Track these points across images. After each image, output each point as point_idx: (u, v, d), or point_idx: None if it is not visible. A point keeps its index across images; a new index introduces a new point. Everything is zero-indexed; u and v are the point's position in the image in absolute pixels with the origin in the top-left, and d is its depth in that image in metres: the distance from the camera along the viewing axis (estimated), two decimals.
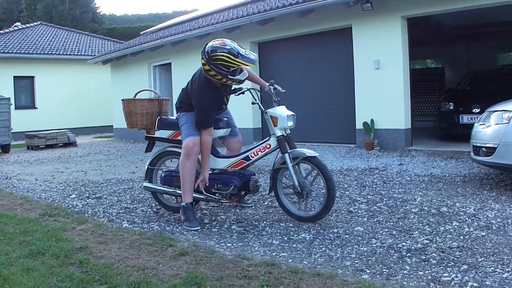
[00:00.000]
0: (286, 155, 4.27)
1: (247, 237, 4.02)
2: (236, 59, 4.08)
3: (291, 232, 4.10)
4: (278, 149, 4.37)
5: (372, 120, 9.36)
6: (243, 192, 4.63)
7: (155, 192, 4.98)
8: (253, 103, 4.44)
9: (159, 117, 4.84)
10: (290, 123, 4.34)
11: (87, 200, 5.78)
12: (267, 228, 4.28)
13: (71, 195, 6.17)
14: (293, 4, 9.77)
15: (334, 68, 10.27)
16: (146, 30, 18.82)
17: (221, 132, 4.62)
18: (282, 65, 10.95)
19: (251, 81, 4.77)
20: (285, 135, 4.34)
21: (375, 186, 5.94)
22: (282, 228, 4.26)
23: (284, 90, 4.70)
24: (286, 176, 4.57)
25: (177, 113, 4.64)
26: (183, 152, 4.36)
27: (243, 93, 4.39)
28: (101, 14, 41.82)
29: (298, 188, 4.28)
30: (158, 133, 4.83)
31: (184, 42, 13.11)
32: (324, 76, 10.41)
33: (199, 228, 4.30)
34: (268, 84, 4.62)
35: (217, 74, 4.18)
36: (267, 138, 4.45)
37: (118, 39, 25.66)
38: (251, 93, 4.42)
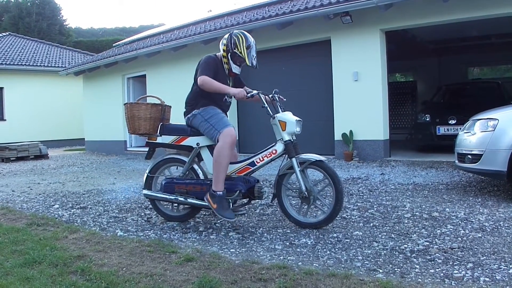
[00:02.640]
0: (294, 159, 4.26)
1: (248, 243, 3.98)
2: (244, 46, 4.43)
3: (291, 238, 4.09)
4: (283, 156, 4.38)
5: (351, 131, 9.49)
6: (248, 198, 4.56)
7: (155, 200, 4.88)
8: (262, 107, 4.42)
9: (161, 123, 4.74)
10: (298, 128, 4.35)
11: (72, 210, 5.64)
12: (266, 234, 4.25)
13: (53, 205, 6.00)
14: (273, 16, 9.87)
15: (313, 80, 10.39)
16: (119, 42, 18.69)
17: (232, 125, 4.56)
18: (261, 77, 10.99)
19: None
20: (292, 140, 4.34)
21: (362, 194, 5.99)
22: (280, 234, 4.25)
23: (285, 99, 4.72)
24: (291, 183, 4.59)
25: (189, 114, 4.60)
26: (227, 141, 4.25)
27: (252, 96, 4.38)
28: (67, 27, 41.30)
29: (305, 193, 4.26)
30: (161, 139, 4.71)
31: (159, 54, 13.07)
32: (303, 88, 10.51)
33: (234, 219, 4.35)
34: (273, 92, 4.62)
35: (226, 46, 4.49)
36: (273, 144, 4.41)
37: (85, 51, 25.34)
38: (260, 97, 4.43)
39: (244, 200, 4.63)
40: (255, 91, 4.41)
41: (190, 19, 16.62)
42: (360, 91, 9.42)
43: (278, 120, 4.34)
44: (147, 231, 4.49)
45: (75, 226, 4.76)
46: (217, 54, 4.61)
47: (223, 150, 4.25)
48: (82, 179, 8.89)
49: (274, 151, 4.37)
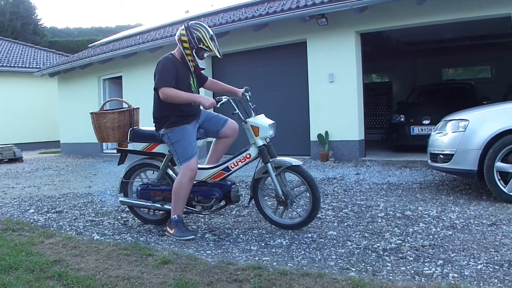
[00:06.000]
0: (269, 165, 4.23)
1: (224, 245, 4.03)
2: (209, 39, 4.24)
3: (266, 238, 4.15)
4: (258, 158, 4.33)
5: (326, 132, 9.61)
6: (224, 202, 4.53)
7: (132, 206, 4.85)
8: (233, 113, 4.36)
9: (131, 129, 4.63)
10: (271, 132, 4.31)
11: (48, 215, 5.61)
12: (241, 235, 4.31)
13: (29, 210, 5.97)
14: (249, 18, 9.93)
15: (289, 82, 10.49)
16: (95, 43, 18.51)
17: (199, 143, 4.49)
18: (237, 78, 11.03)
19: (222, 92, 4.70)
20: (266, 144, 4.30)
21: (337, 195, 6.09)
22: (256, 235, 4.31)
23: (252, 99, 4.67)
24: (267, 185, 4.57)
25: (157, 130, 4.42)
26: (187, 175, 4.18)
27: (223, 103, 4.31)
28: (42, 26, 40.75)
29: (282, 197, 4.26)
30: (131, 146, 4.62)
31: (135, 55, 13.02)
32: (279, 89, 10.59)
33: (194, 236, 4.27)
34: (243, 90, 4.56)
35: (188, 43, 4.22)
36: (247, 147, 4.36)
37: (60, 52, 25.04)
38: (231, 102, 4.38)
39: (220, 203, 4.59)
40: (225, 98, 4.35)
41: (167, 19, 16.57)
42: (336, 92, 9.55)
43: (251, 125, 4.28)
44: (124, 234, 4.51)
45: (51, 230, 4.75)
46: (173, 52, 4.41)
47: (182, 183, 4.21)
48: (58, 183, 8.83)
49: (248, 156, 4.33)
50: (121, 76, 14.23)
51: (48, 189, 7.95)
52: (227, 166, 4.36)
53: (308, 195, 4.28)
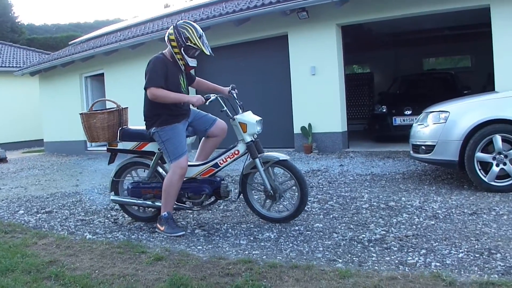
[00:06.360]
0: (257, 160, 4.34)
1: (214, 240, 4.15)
2: (197, 37, 4.30)
3: (255, 232, 4.28)
4: (247, 154, 4.43)
5: (309, 124, 9.74)
6: (214, 198, 4.64)
7: (124, 204, 4.94)
8: (221, 111, 4.45)
9: (121, 128, 4.72)
10: (259, 128, 4.41)
11: (38, 215, 5.66)
12: (230, 230, 4.43)
13: (18, 211, 6.01)
14: (230, 13, 9.99)
15: (272, 75, 10.59)
16: (76, 40, 18.42)
17: (188, 140, 4.59)
18: (219, 73, 11.09)
19: (209, 90, 4.77)
20: (254, 140, 4.40)
21: (322, 187, 6.23)
22: (244, 229, 4.43)
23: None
24: (256, 180, 4.67)
25: (148, 129, 4.50)
26: (177, 172, 4.28)
27: (211, 101, 4.40)
28: (20, 23, 40.26)
29: (271, 191, 4.38)
30: (121, 145, 4.70)
31: (117, 52, 13.01)
32: (262, 82, 10.68)
33: (184, 232, 4.34)
34: (230, 88, 4.66)
35: (175, 41, 4.30)
36: (235, 144, 4.47)
37: (40, 49, 24.81)
38: (219, 100, 4.46)
39: (210, 199, 4.68)
40: (213, 96, 4.43)
41: (147, 15, 16.55)
42: (318, 85, 9.68)
43: (238, 122, 4.38)
44: (115, 233, 4.60)
45: (43, 231, 4.82)
46: (164, 52, 4.47)
47: (172, 181, 4.30)
48: (44, 182, 8.85)
49: (236, 152, 4.43)
50: (103, 73, 14.20)
51: (36, 189, 7.97)
52: (216, 163, 4.47)
53: (296, 188, 4.40)
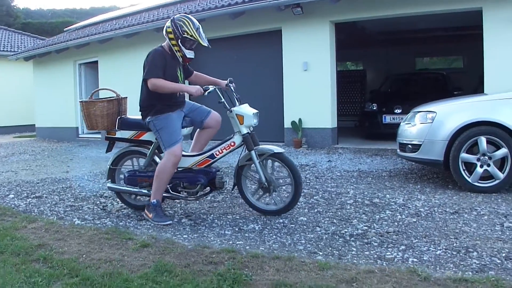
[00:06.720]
0: (253, 152, 4.42)
1: (200, 229, 4.24)
2: (193, 29, 4.38)
3: (240, 224, 4.38)
4: (242, 146, 4.50)
5: (300, 120, 9.84)
6: (209, 189, 4.70)
7: (120, 192, 4.99)
8: (219, 102, 4.51)
9: (119, 117, 4.78)
10: (255, 120, 4.48)
11: (28, 200, 5.74)
12: (216, 220, 4.52)
13: (8, 195, 6.07)
14: (225, 6, 10.04)
15: (264, 69, 10.66)
16: (71, 27, 18.34)
17: (185, 131, 4.66)
18: (212, 65, 11.11)
19: (207, 83, 4.81)
20: (250, 132, 4.49)
21: (309, 181, 6.33)
22: (230, 220, 4.53)
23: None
24: (251, 172, 4.73)
25: (144, 119, 4.59)
26: (171, 160, 4.35)
27: (210, 92, 4.44)
28: (15, 7, 40.05)
29: (265, 183, 4.46)
30: (120, 134, 4.77)
31: (112, 40, 13.03)
32: (254, 76, 10.75)
33: (171, 222, 4.42)
34: (227, 82, 4.73)
35: (172, 33, 4.40)
36: (231, 135, 4.54)
37: (35, 34, 24.70)
38: (217, 92, 4.53)
39: (205, 189, 4.73)
40: (211, 87, 4.48)
41: (143, 4, 16.54)
42: (310, 80, 9.77)
43: (236, 114, 4.45)
44: (104, 219, 4.68)
45: (33, 216, 4.89)
46: (163, 45, 4.56)
47: (165, 167, 4.38)
48: (35, 168, 8.90)
49: (232, 143, 4.51)
50: (97, 61, 14.20)
51: (26, 174, 8.02)
52: (212, 154, 4.54)
53: (290, 181, 4.48)
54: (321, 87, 9.66)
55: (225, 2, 10.35)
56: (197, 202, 5.26)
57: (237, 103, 4.58)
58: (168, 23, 4.47)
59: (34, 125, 17.10)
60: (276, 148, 4.47)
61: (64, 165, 9.09)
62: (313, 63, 9.75)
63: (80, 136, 14.93)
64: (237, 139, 4.51)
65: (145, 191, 4.69)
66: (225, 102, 4.52)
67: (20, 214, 4.96)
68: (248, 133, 4.46)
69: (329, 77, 9.58)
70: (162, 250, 3.58)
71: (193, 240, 3.93)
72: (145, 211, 4.54)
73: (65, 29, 18.48)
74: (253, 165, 4.55)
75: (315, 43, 9.70)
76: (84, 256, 3.51)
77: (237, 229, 4.22)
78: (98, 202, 5.46)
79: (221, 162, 7.60)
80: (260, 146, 4.50)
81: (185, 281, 2.95)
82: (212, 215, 4.71)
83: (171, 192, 4.61)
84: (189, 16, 4.53)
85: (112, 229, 4.21)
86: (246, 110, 4.51)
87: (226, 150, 4.53)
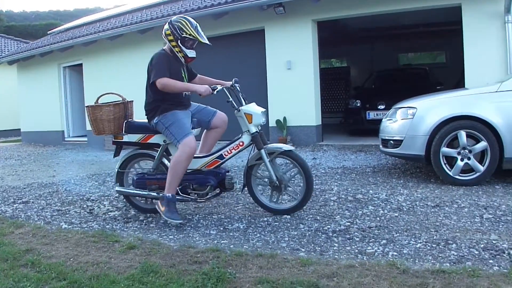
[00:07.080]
0: (262, 151, 4.42)
1: (185, 230, 4.30)
2: (191, 28, 4.42)
3: (225, 223, 4.44)
4: (251, 146, 4.50)
5: (284, 118, 9.93)
6: (219, 190, 4.69)
7: (128, 195, 4.97)
8: (227, 101, 4.51)
9: (126, 121, 4.76)
10: (264, 119, 4.50)
11: (15, 205, 5.75)
12: (201, 220, 4.58)
13: None
14: (208, 7, 10.11)
15: (248, 69, 10.72)
16: (55, 29, 18.28)
17: (193, 132, 4.59)
18: (197, 65, 11.14)
19: (212, 85, 4.70)
20: (258, 131, 4.49)
21: (293, 179, 6.37)
22: (215, 220, 4.59)
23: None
24: (260, 171, 4.72)
25: (150, 121, 4.59)
26: (186, 151, 4.28)
27: (218, 91, 4.45)
28: None
29: (276, 182, 4.46)
30: (127, 138, 4.73)
31: (96, 43, 13.01)
32: (238, 76, 10.61)
33: (182, 221, 4.39)
34: (232, 82, 4.73)
35: (172, 35, 4.43)
36: (239, 135, 4.53)
37: (18, 37, 24.53)
38: (225, 91, 4.54)
39: (215, 191, 4.72)
40: (219, 87, 4.48)
41: (127, 6, 16.53)
42: (293, 79, 9.88)
43: (244, 113, 4.46)
44: (90, 223, 4.72)
45: (20, 221, 4.91)
46: (164, 48, 4.58)
47: (180, 159, 4.31)
48: (21, 173, 8.89)
49: (241, 143, 4.51)
50: (81, 64, 14.18)
51: (12, 180, 8.02)
52: (221, 154, 4.54)
53: (301, 177, 4.51)
54: (305, 85, 9.76)
55: (208, 2, 10.42)
56: (183, 202, 5.28)
57: (244, 103, 4.60)
58: (166, 26, 4.51)
59: (20, 129, 17.00)
60: (285, 146, 4.49)
61: (51, 169, 9.10)
62: (297, 62, 9.85)
63: (66, 139, 14.90)
64: (245, 139, 4.51)
65: (154, 194, 4.62)
66: (233, 101, 4.53)
67: (7, 219, 4.98)
68: (257, 132, 4.46)
69: (312, 75, 9.68)
70: (148, 251, 3.64)
71: (178, 240, 3.99)
72: (158, 203, 4.45)
73: (49, 32, 18.41)
74: (262, 165, 4.56)
75: (298, 41, 9.80)
76: (71, 259, 3.56)
77: (222, 228, 4.28)
78: (84, 206, 5.49)
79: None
80: (269, 144, 4.52)
81: (170, 281, 3.02)
82: (197, 215, 4.77)
83: (181, 194, 4.55)
84: (186, 16, 4.59)
85: (99, 232, 4.26)
86: (255, 108, 4.53)
87: (235, 150, 4.53)
